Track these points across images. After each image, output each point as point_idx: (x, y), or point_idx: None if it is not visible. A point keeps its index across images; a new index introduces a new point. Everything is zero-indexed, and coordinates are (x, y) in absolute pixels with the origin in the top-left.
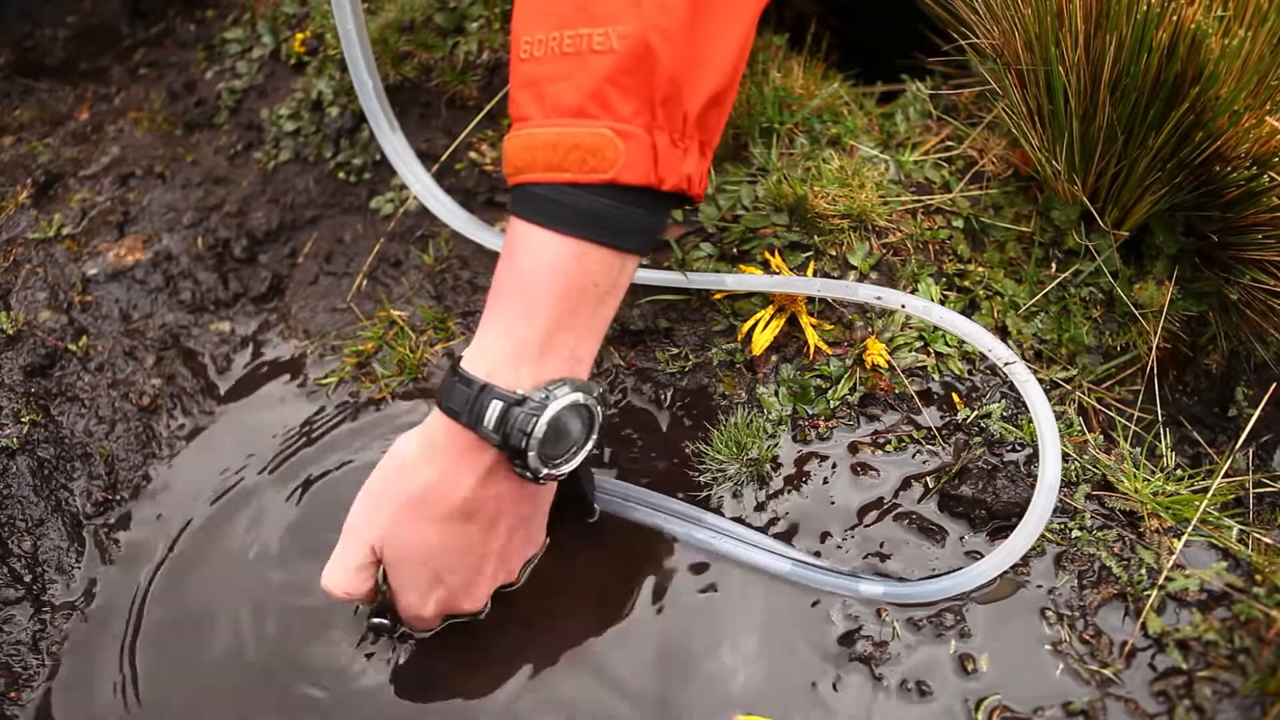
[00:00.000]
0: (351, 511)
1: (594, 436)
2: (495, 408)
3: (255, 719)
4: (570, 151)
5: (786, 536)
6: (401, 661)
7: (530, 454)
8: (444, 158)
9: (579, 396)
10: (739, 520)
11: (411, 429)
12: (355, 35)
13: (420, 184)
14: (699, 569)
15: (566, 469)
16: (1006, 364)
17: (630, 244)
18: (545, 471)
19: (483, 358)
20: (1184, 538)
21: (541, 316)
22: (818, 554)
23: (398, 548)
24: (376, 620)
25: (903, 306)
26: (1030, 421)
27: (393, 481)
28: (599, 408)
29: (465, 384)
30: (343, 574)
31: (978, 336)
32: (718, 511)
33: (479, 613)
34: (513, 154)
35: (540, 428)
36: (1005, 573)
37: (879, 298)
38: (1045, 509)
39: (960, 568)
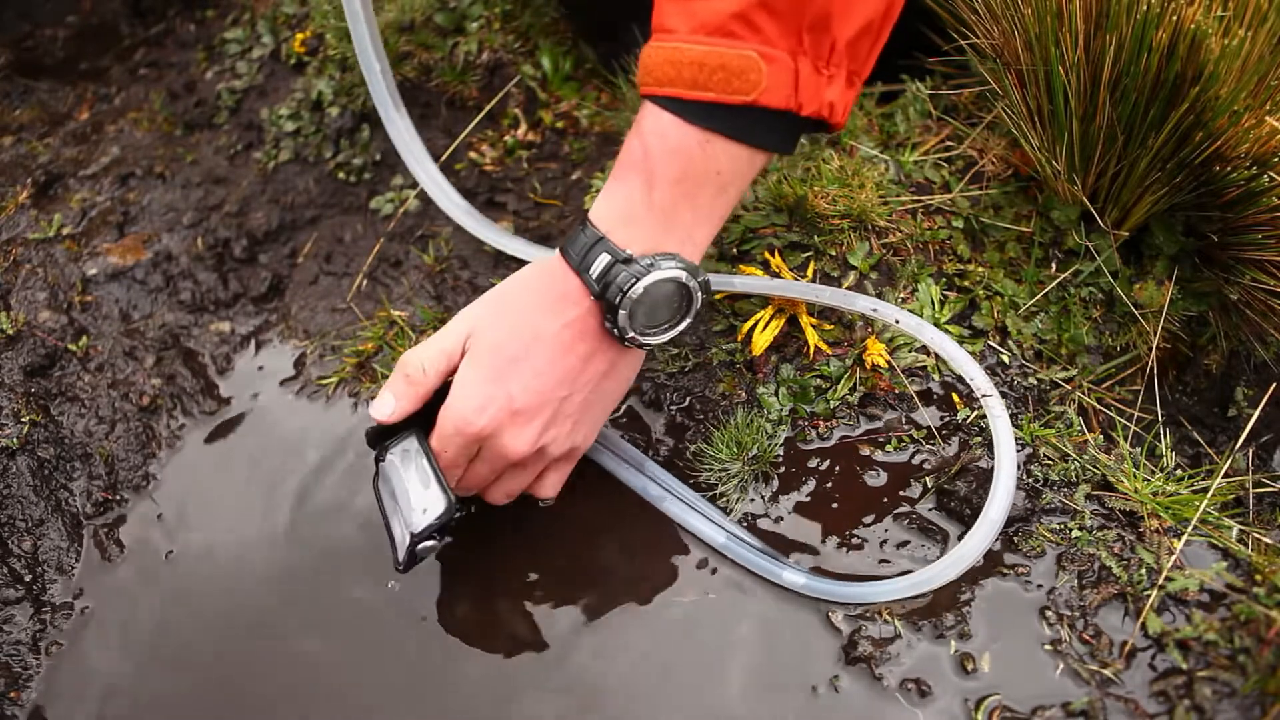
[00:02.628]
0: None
1: (688, 319)
2: (603, 260)
3: None
4: (716, 71)
5: (788, 535)
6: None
7: (621, 312)
8: (444, 158)
9: (681, 274)
10: (745, 522)
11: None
12: (362, 15)
13: (425, 172)
14: (698, 573)
15: (656, 341)
16: (984, 395)
17: (758, 140)
18: (631, 334)
19: (605, 214)
20: (1184, 538)
21: (660, 193)
22: (820, 558)
23: (484, 339)
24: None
25: (896, 321)
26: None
27: (505, 289)
28: (699, 293)
29: (584, 232)
30: (429, 350)
31: (963, 363)
32: (724, 511)
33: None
34: (655, 66)
35: (638, 290)
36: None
37: (875, 310)
38: (981, 541)
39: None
